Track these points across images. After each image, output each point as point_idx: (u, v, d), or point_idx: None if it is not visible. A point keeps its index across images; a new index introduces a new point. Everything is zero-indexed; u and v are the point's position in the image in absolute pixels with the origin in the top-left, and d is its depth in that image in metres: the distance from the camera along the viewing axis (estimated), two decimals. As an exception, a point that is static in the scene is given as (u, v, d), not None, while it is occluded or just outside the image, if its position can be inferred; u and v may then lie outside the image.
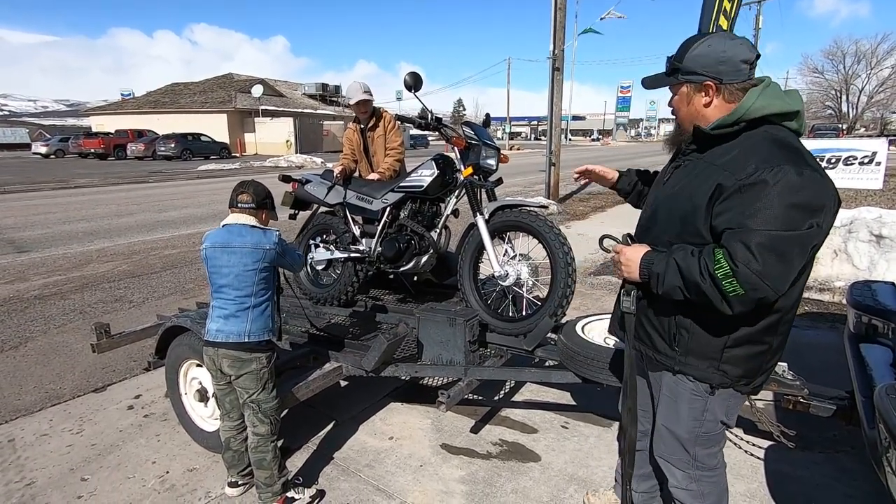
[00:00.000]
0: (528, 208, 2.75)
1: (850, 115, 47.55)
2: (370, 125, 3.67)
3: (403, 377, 2.71)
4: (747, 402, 2.18)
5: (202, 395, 2.59)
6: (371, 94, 3.62)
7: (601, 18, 9.72)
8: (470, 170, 2.84)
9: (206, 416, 2.64)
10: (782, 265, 1.20)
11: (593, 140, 71.38)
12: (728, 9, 6.48)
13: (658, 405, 1.63)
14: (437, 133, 2.98)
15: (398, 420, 2.95)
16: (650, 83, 1.52)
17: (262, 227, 2.14)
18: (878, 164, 7.45)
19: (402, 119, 3.12)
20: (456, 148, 2.89)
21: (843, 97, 48.62)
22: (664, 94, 1.68)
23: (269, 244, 2.08)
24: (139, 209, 11.09)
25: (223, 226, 2.10)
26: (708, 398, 1.48)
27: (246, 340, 2.05)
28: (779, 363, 2.15)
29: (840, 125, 41.69)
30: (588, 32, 10.06)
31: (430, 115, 2.92)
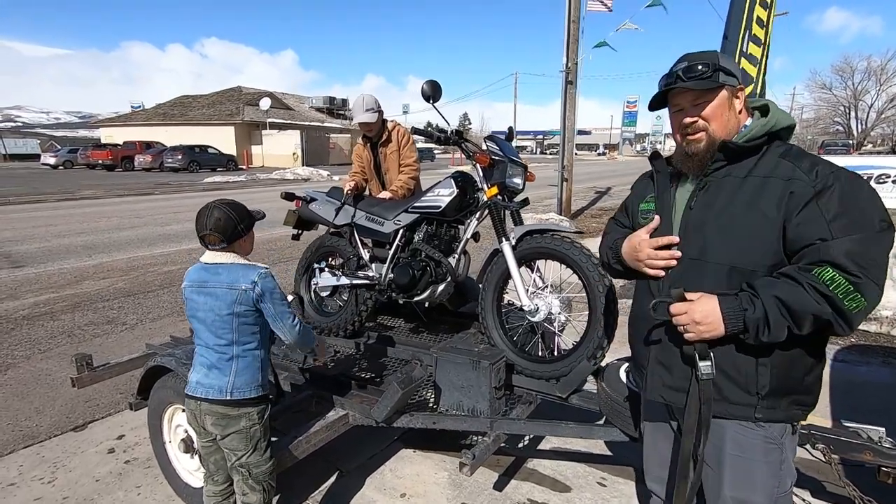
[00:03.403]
0: (561, 234, 2.43)
1: (859, 132, 47.09)
2: (382, 140, 3.36)
3: (419, 426, 2.36)
4: (831, 466, 1.85)
5: (188, 446, 2.27)
6: (376, 111, 3.26)
7: (616, 30, 9.49)
8: (495, 189, 2.52)
9: (193, 470, 2.31)
10: (885, 266, 1.15)
11: (599, 154, 71.31)
12: (763, 17, 6.17)
13: (722, 472, 1.35)
14: (448, 147, 2.68)
15: (410, 472, 2.60)
16: (698, 85, 1.27)
17: (244, 262, 1.77)
18: (913, 182, 7.11)
19: (418, 132, 2.83)
20: (478, 165, 2.58)
21: (852, 113, 48.21)
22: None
23: (246, 283, 1.71)
24: (142, 222, 10.86)
25: (201, 263, 1.79)
26: (783, 445, 1.31)
27: (228, 398, 1.73)
28: (874, 428, 1.81)
29: (850, 141, 41.24)
30: (601, 46, 9.83)
31: (449, 128, 2.63)
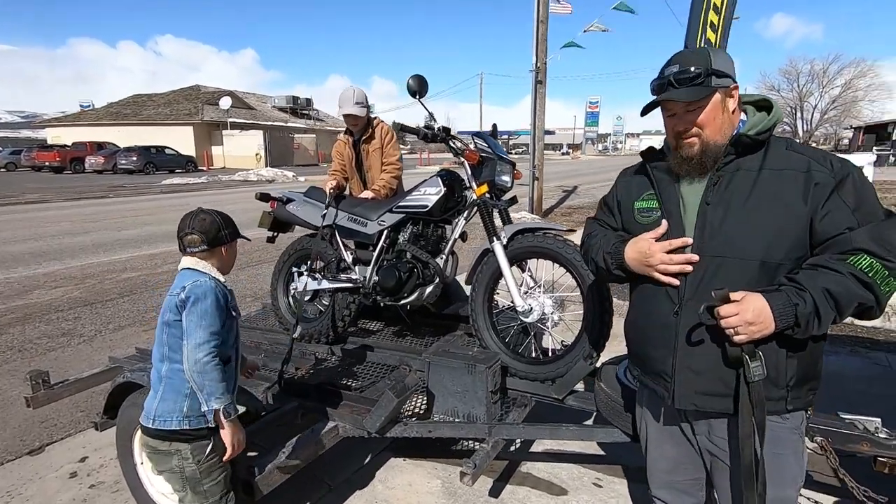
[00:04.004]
0: (552, 233, 2.39)
1: (804, 131, 49.76)
2: (364, 137, 3.24)
3: (413, 435, 2.27)
4: (827, 458, 1.86)
5: (162, 467, 2.09)
6: (365, 106, 3.17)
7: (584, 31, 9.65)
8: (485, 188, 2.46)
9: (168, 493, 2.13)
10: None
11: (563, 154, 72.49)
12: (715, 21, 6.44)
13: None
14: (419, 146, 2.60)
15: (402, 481, 2.50)
16: (688, 96, 1.25)
17: (200, 268, 1.61)
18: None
19: (404, 129, 2.73)
20: (467, 162, 2.51)
21: (798, 114, 50.90)
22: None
23: (177, 288, 1.55)
24: (96, 227, 10.27)
25: None
26: (802, 430, 1.35)
27: (150, 426, 1.56)
28: (870, 419, 1.83)
29: (797, 140, 43.45)
30: (570, 46, 9.97)
31: (436, 125, 2.54)
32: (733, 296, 1.18)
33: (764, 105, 1.36)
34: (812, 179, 1.20)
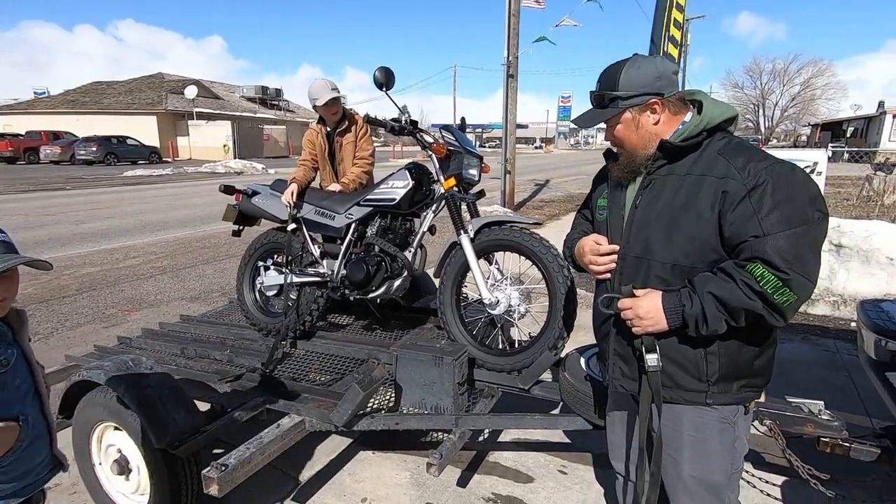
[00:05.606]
0: (519, 226, 2.42)
1: (765, 128, 51.63)
2: (340, 129, 3.18)
3: (381, 428, 2.27)
4: (776, 439, 1.96)
5: (122, 467, 2.05)
6: (340, 92, 3.10)
7: (556, 26, 9.74)
8: (452, 181, 2.47)
9: (129, 493, 2.09)
10: (816, 258, 1.18)
11: (536, 148, 73.15)
12: (679, 19, 6.64)
13: (681, 454, 1.40)
14: (392, 139, 2.59)
15: (371, 475, 2.51)
16: (587, 121, 1.41)
17: None
18: (820, 173, 7.81)
19: (371, 121, 2.70)
20: (434, 156, 2.51)
21: (760, 111, 52.75)
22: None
23: None
24: (52, 220, 9.83)
25: None
26: (736, 424, 1.37)
27: None
28: (814, 402, 1.94)
29: (759, 137, 45.09)
30: (542, 41, 10.04)
31: (403, 118, 2.53)
32: (637, 292, 1.28)
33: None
34: (722, 187, 1.21)
